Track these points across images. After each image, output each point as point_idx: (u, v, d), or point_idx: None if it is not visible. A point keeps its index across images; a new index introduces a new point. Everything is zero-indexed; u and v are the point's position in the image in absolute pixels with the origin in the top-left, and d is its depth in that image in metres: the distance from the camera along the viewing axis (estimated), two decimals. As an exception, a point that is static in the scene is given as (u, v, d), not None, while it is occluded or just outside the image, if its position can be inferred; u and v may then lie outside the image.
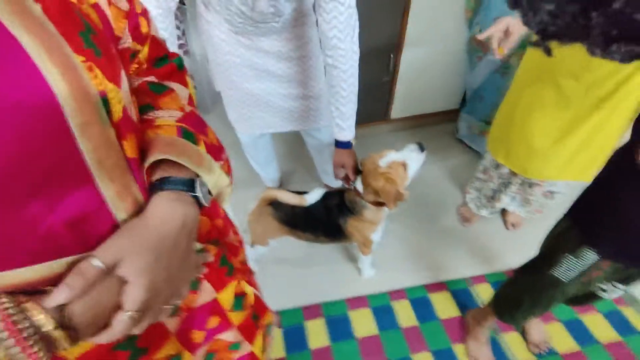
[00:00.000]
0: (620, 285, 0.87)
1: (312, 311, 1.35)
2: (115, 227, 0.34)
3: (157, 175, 0.39)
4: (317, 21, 0.93)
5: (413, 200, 1.78)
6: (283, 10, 0.94)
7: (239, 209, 1.69)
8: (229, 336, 0.56)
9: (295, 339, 1.28)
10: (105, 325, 0.32)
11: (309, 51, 1.10)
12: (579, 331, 1.27)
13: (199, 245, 0.49)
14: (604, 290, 0.91)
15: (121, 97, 0.34)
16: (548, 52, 0.37)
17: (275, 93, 1.20)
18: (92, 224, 0.33)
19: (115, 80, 0.33)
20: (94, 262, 0.31)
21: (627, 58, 0.30)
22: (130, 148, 0.35)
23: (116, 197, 0.34)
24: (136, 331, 0.35)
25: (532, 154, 1.16)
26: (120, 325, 0.32)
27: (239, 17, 0.95)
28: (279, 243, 1.61)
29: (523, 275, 0.99)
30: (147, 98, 0.44)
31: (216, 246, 0.55)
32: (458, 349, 1.24)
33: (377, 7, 1.66)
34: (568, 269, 0.83)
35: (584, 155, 1.11)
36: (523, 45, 1.60)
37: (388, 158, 1.09)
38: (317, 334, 1.29)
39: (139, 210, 0.36)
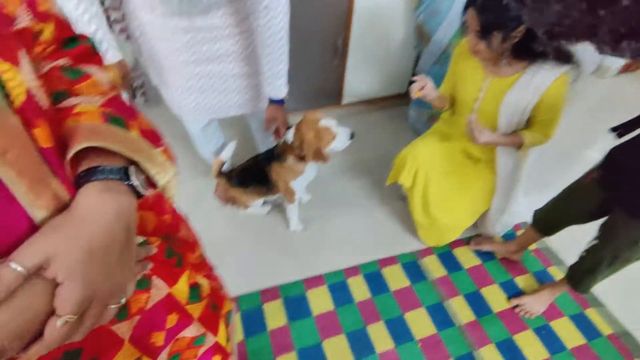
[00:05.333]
0: None
1: (270, 294, 1.37)
2: (33, 227, 0.30)
3: (84, 166, 0.35)
4: None
5: (364, 180, 1.85)
6: None
7: (203, 197, 1.67)
8: (191, 331, 0.53)
9: (253, 322, 1.30)
10: (38, 335, 0.29)
11: (250, 25, 1.09)
12: (549, 338, 1.30)
13: (140, 239, 0.45)
14: None
15: (22, 79, 0.30)
16: (556, 52, 0.37)
17: (221, 75, 1.17)
18: (2, 226, 0.29)
19: (10, 58, 0.29)
20: (13, 266, 0.27)
21: (637, 55, 0.30)
22: (43, 136, 0.31)
23: (29, 193, 0.29)
24: (76, 338, 0.31)
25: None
26: (54, 333, 0.29)
27: None
28: (233, 231, 1.60)
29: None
30: (60, 85, 0.39)
31: (163, 239, 0.53)
32: (408, 316, 1.33)
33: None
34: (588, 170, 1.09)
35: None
36: (459, 34, 1.70)
37: (327, 122, 1.24)
38: (275, 315, 1.31)
39: (62, 207, 0.32)
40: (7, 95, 0.28)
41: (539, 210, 1.35)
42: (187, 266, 0.55)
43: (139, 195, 0.38)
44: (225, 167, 1.45)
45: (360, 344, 1.25)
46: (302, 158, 1.28)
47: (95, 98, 0.40)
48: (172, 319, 0.50)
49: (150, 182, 0.42)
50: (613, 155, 1.00)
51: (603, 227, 1.07)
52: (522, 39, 1.05)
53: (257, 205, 1.59)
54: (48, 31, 0.40)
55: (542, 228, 1.35)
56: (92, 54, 0.45)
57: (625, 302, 1.39)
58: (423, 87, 1.29)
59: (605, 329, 1.32)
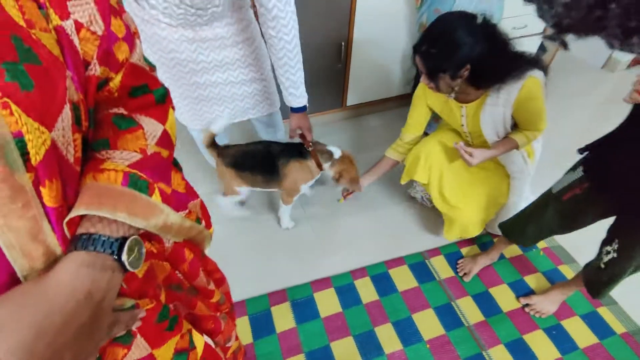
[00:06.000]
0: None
1: (277, 296, 1.39)
2: (13, 280, 0.31)
3: (82, 228, 0.35)
4: None
5: (373, 186, 1.85)
6: None
7: (210, 202, 1.69)
8: None
9: (261, 325, 1.31)
10: None
11: (252, 33, 1.12)
12: (560, 337, 1.28)
13: (128, 302, 0.44)
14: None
15: (47, 138, 0.31)
16: (564, 45, 0.36)
17: (227, 82, 1.20)
18: None
19: (44, 118, 0.30)
20: None
21: None
22: (49, 196, 0.32)
23: (17, 247, 0.30)
24: None
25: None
26: None
27: (178, 7, 0.94)
28: (239, 235, 1.62)
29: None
30: (107, 132, 0.40)
31: (172, 291, 0.52)
32: (417, 317, 1.33)
33: (324, -4, 1.68)
34: (560, 181, 1.08)
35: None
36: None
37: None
38: (283, 318, 1.33)
39: (52, 262, 0.33)
40: (26, 153, 0.29)
41: (510, 226, 1.32)
42: (180, 330, 0.54)
43: (126, 269, 0.38)
44: (223, 142, 1.44)
45: (369, 345, 1.25)
46: (320, 166, 1.40)
47: (132, 154, 0.40)
48: None
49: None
50: (601, 161, 0.97)
51: (619, 239, 1.00)
52: (473, 72, 1.08)
53: (241, 194, 1.49)
54: (117, 79, 0.41)
55: (518, 242, 1.34)
56: (153, 105, 0.45)
57: (639, 300, 1.36)
58: (347, 195, 1.57)
59: (619, 328, 1.30)
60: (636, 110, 0.87)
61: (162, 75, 1.19)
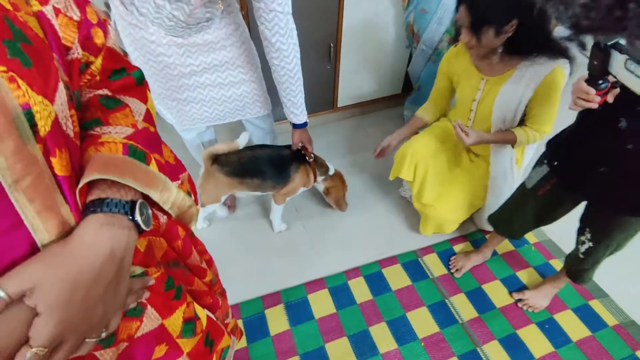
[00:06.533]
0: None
1: (271, 299, 1.38)
2: (33, 249, 0.32)
3: (94, 195, 0.37)
4: (260, 29, 1.04)
5: (362, 181, 1.85)
6: (218, 13, 0.95)
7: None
8: None
9: (256, 328, 1.30)
10: None
11: (240, 36, 1.14)
12: (553, 331, 1.28)
13: (138, 270, 0.46)
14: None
15: (51, 111, 0.32)
16: (582, 46, 0.36)
17: (216, 84, 1.20)
18: (5, 246, 0.30)
19: (45, 92, 0.31)
20: None
21: None
22: (60, 165, 0.33)
23: (36, 217, 0.31)
24: None
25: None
26: None
27: (170, 20, 0.94)
28: (231, 238, 1.62)
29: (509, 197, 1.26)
30: (96, 112, 0.42)
31: (170, 268, 0.53)
32: (411, 315, 1.33)
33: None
34: (530, 177, 1.11)
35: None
36: (449, 30, 1.71)
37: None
38: (277, 320, 1.32)
39: (67, 232, 0.34)
40: (34, 125, 0.30)
41: (497, 219, 1.34)
42: (185, 299, 0.55)
43: (140, 230, 0.40)
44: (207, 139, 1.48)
45: (363, 345, 1.25)
46: (317, 176, 1.52)
47: (125, 129, 0.42)
48: (160, 350, 0.50)
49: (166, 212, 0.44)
50: (561, 155, 1.00)
51: (590, 228, 1.04)
52: (514, 34, 1.06)
53: (219, 203, 1.48)
54: (98, 62, 0.43)
55: (507, 234, 1.35)
56: (134, 86, 0.47)
57: (630, 292, 1.38)
58: (384, 149, 1.48)
59: (610, 320, 1.31)
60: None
61: (149, 78, 1.19)
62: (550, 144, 1.05)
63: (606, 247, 1.03)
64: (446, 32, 1.71)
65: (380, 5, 1.84)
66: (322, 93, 2.08)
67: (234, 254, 1.54)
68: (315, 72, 1.95)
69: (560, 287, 1.33)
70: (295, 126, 1.33)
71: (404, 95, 2.20)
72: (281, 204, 1.53)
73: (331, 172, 1.56)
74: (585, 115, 0.92)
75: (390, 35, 1.97)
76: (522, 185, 1.16)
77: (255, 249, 1.57)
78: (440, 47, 1.77)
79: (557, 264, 1.48)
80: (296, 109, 1.25)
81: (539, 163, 1.09)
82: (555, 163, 1.02)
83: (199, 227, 1.62)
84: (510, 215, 1.24)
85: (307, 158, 1.45)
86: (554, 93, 1.11)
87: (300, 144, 1.42)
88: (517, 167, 1.35)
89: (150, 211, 0.41)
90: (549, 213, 1.14)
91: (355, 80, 2.10)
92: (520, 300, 1.36)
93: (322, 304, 1.37)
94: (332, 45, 1.89)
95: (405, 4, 1.88)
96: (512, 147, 1.25)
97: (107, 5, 1.26)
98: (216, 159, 1.34)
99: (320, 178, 1.53)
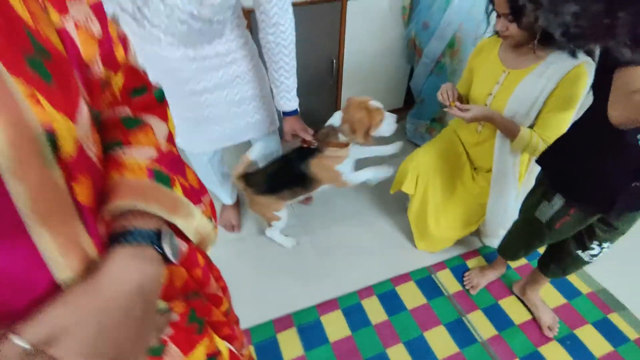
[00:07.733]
0: (593, 244, 1.04)
1: (283, 322, 1.32)
2: (54, 288, 0.29)
3: (118, 224, 0.34)
4: (255, 2, 1.00)
5: (367, 196, 1.82)
6: (228, 14, 0.96)
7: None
8: None
9: (268, 353, 1.24)
10: None
11: (249, 50, 1.14)
12: (575, 348, 1.25)
13: (163, 305, 0.43)
14: (581, 248, 1.09)
15: (75, 133, 0.29)
16: (573, 54, 0.35)
17: (227, 100, 1.18)
18: (22, 286, 0.27)
19: (68, 112, 0.28)
20: (16, 341, 0.25)
21: None
22: (82, 193, 0.30)
23: (57, 252, 0.28)
24: None
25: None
26: None
27: (182, 23, 0.91)
28: (239, 260, 1.56)
29: (517, 224, 1.22)
30: (117, 133, 0.39)
31: (190, 300, 0.50)
32: (428, 335, 1.28)
33: (317, 15, 1.69)
34: (542, 212, 1.04)
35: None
36: (451, 44, 1.72)
37: (376, 104, 1.27)
38: (290, 345, 1.26)
39: (88, 266, 0.31)
40: (57, 148, 0.27)
41: (504, 250, 1.33)
42: (207, 332, 0.53)
43: (168, 260, 0.37)
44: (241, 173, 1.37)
45: (382, 369, 1.20)
46: (343, 145, 1.29)
47: (148, 150, 0.40)
48: None
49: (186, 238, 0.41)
50: (570, 181, 0.96)
51: (602, 239, 1.03)
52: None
53: (284, 216, 1.46)
54: (119, 80, 0.41)
55: (514, 260, 1.35)
56: (155, 105, 0.45)
57: (648, 304, 1.36)
58: (449, 95, 1.28)
59: (631, 334, 1.28)
60: (578, 120, 0.89)
61: None
62: (555, 183, 0.98)
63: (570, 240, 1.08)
64: (448, 45, 1.73)
65: (382, 20, 1.85)
66: (324, 107, 2.07)
67: (241, 275, 1.48)
68: (318, 87, 1.94)
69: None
70: (286, 114, 1.25)
71: (406, 109, 2.20)
72: (347, 185, 1.38)
73: (337, 123, 1.27)
74: (591, 142, 0.88)
75: (392, 50, 1.99)
76: (534, 218, 1.08)
77: (263, 269, 1.51)
78: (441, 61, 1.78)
79: (574, 279, 1.46)
80: (288, 93, 1.18)
81: (546, 198, 1.02)
82: (572, 195, 0.95)
83: (289, 245, 1.58)
84: (525, 249, 1.22)
85: (310, 147, 1.29)
86: (576, 90, 1.06)
87: (292, 136, 1.32)
88: (518, 183, 1.33)
89: (177, 241, 0.39)
90: (563, 237, 1.10)
91: (358, 95, 2.09)
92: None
93: (336, 326, 1.31)
94: (334, 60, 1.88)
95: (406, 18, 1.90)
96: (512, 142, 1.21)
97: (116, 23, 1.23)
98: (247, 181, 1.34)
99: (343, 139, 1.27)
